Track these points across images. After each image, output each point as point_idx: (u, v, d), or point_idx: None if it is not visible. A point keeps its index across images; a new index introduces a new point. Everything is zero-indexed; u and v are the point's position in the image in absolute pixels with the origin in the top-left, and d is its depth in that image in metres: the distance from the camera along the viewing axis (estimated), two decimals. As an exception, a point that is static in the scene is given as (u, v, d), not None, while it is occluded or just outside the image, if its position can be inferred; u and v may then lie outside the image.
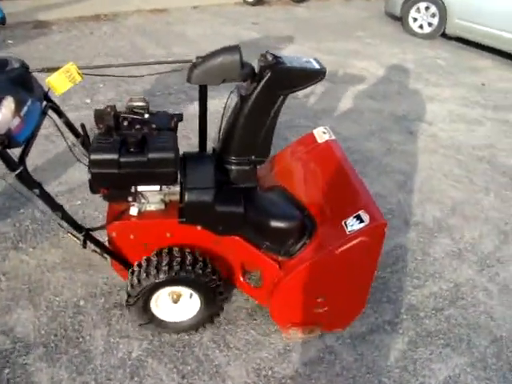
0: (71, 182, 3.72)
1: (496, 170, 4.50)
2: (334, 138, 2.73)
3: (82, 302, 2.75)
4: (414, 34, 8.23)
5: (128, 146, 2.08)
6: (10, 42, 6.65)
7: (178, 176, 2.27)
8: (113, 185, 2.19)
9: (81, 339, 2.55)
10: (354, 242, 2.17)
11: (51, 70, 2.10)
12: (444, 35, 8.10)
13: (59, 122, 2.41)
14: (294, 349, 2.59)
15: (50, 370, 2.39)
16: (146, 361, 2.47)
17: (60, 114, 2.46)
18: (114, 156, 2.04)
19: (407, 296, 2.98)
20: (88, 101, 5.04)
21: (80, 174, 3.65)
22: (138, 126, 2.19)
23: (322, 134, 2.76)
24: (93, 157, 2.05)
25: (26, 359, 2.43)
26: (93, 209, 3.43)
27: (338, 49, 7.31)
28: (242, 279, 2.58)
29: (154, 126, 2.20)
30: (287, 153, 2.87)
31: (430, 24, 8.04)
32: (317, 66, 2.27)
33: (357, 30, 8.38)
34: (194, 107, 4.94)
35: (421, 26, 8.20)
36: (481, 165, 4.56)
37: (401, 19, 8.48)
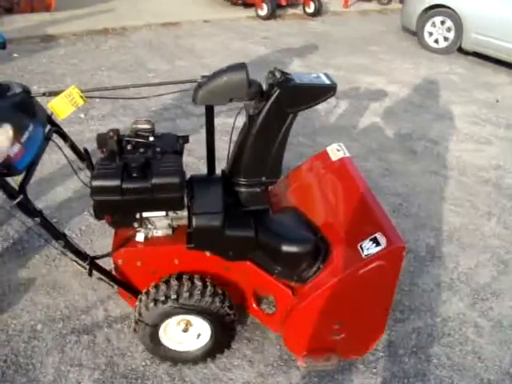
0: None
1: (501, 193, 4.24)
2: (348, 155, 2.62)
3: (39, 326, 2.66)
4: (430, 48, 8.05)
5: (131, 171, 2.00)
6: (15, 55, 6.66)
7: (185, 200, 2.18)
8: (116, 211, 2.12)
9: (31, 366, 2.44)
10: (371, 266, 2.06)
11: (53, 93, 2.07)
12: (461, 50, 7.87)
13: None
14: None
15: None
16: None
17: (65, 137, 2.41)
18: (117, 182, 1.97)
19: (387, 331, 2.72)
20: (82, 115, 4.93)
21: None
22: (141, 150, 2.11)
23: (336, 152, 2.65)
24: (94, 184, 1.98)
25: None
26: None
27: (348, 64, 7.16)
28: (254, 306, 2.48)
29: (158, 149, 2.13)
30: (301, 171, 2.77)
31: (445, 38, 7.84)
32: (327, 82, 2.18)
33: (371, 45, 8.24)
34: (190, 122, 4.92)
35: (436, 41, 8.02)
36: (485, 187, 4.31)
37: (416, 34, 8.26)
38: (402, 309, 2.91)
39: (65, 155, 2.28)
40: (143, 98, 2.38)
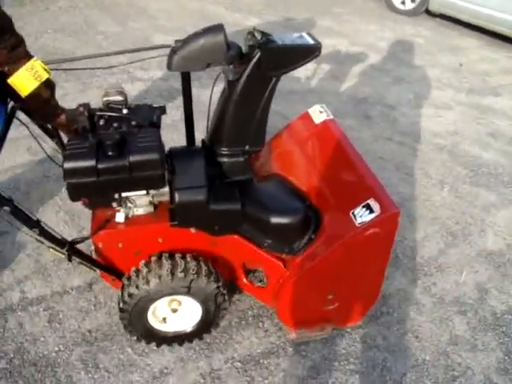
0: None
1: (456, 160, 4.08)
2: (331, 117, 2.50)
3: None
4: (397, 10, 7.61)
5: (105, 149, 1.83)
6: None
7: (166, 175, 2.04)
8: (93, 193, 1.95)
9: None
10: (365, 234, 1.99)
11: (13, 68, 1.85)
12: (428, 12, 7.47)
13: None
14: (174, 372, 2.34)
15: None
16: None
17: (30, 114, 2.22)
18: (91, 163, 1.81)
19: None
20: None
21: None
22: (115, 125, 1.94)
23: (318, 114, 2.53)
24: (67, 166, 1.80)
25: None
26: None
27: (311, 25, 6.80)
28: (245, 280, 2.39)
29: (133, 122, 1.96)
30: (283, 136, 2.63)
31: (412, 0, 7.45)
32: (311, 42, 2.03)
33: (335, 6, 7.75)
34: (135, 87, 4.76)
35: (403, 2, 7.57)
36: (440, 155, 4.14)
37: None
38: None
39: (31, 133, 2.11)
40: (112, 67, 2.19)
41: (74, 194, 1.92)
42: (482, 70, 5.85)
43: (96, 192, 1.95)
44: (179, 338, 2.37)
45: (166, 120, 2.26)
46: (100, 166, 1.82)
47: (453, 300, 2.79)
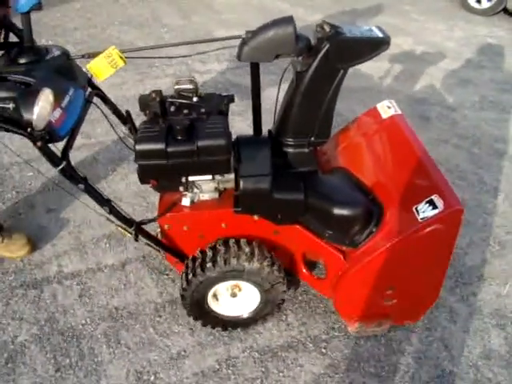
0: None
1: None
2: (400, 112, 2.48)
3: None
4: (471, 9, 7.25)
5: (175, 133, 1.92)
6: None
7: (232, 163, 2.09)
8: (162, 176, 2.05)
9: None
10: (427, 230, 1.95)
11: (92, 55, 1.95)
12: (506, 11, 7.08)
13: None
14: (191, 355, 2.37)
15: None
16: (28, 347, 2.39)
17: (106, 100, 2.36)
18: (161, 146, 1.89)
19: None
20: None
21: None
22: (185, 111, 2.03)
23: (386, 109, 2.50)
24: (138, 148, 1.90)
25: None
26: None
27: (377, 23, 6.44)
28: (304, 271, 2.42)
29: (202, 110, 2.04)
30: (350, 130, 2.62)
31: None
32: (380, 35, 2.02)
33: (405, 4, 7.56)
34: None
35: (479, 1, 7.16)
36: (499, 161, 3.91)
37: None
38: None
39: (107, 118, 2.23)
40: (184, 56, 2.26)
41: (144, 175, 2.02)
42: None
43: (165, 175, 2.04)
44: (235, 323, 2.43)
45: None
46: (169, 149, 1.90)
47: (492, 312, 2.65)
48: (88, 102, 2.15)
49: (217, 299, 2.35)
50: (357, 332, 2.37)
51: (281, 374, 2.32)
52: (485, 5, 7.12)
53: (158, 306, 2.59)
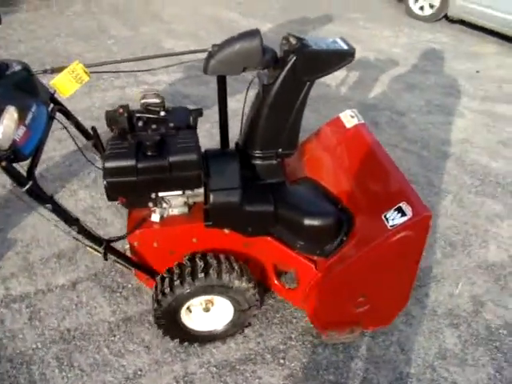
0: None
1: (463, 169, 3.97)
2: (363, 121, 2.52)
3: None
4: (415, 16, 7.61)
5: (145, 149, 1.88)
6: None
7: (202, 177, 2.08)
8: (131, 193, 2.01)
9: None
10: (397, 237, 1.98)
11: (56, 70, 1.90)
12: (448, 18, 7.40)
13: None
14: (147, 374, 2.33)
15: None
16: None
17: (69, 116, 2.28)
18: (131, 162, 1.86)
19: (306, 318, 2.55)
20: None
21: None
22: (154, 126, 2.00)
23: (349, 118, 2.54)
24: (107, 165, 1.86)
25: None
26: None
27: (325, 31, 6.81)
28: (276, 282, 2.42)
29: (171, 124, 2.01)
30: (314, 140, 2.66)
31: (431, 6, 7.38)
32: (344, 47, 2.07)
33: (353, 12, 7.82)
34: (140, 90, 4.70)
35: (422, 8, 7.54)
36: (446, 163, 4.04)
37: (402, 0, 7.89)
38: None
39: (70, 135, 2.16)
40: (150, 70, 2.23)
41: (113, 192, 1.97)
42: (499, 77, 5.76)
43: (134, 191, 2.00)
44: (211, 338, 2.40)
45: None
46: (140, 165, 1.87)
47: (445, 312, 2.71)
48: (51, 118, 2.08)
49: (190, 315, 2.31)
50: (329, 340, 2.38)
51: (239, 388, 2.29)
52: (427, 12, 7.47)
53: (111, 326, 2.54)
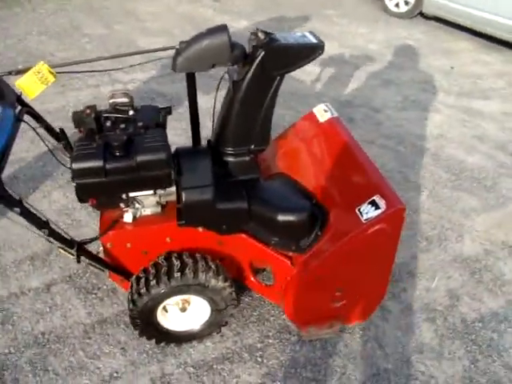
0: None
1: (439, 164, 3.97)
2: (336, 115, 2.52)
3: None
4: (390, 13, 7.60)
5: (113, 150, 1.86)
6: None
7: (173, 175, 2.05)
8: (100, 193, 1.98)
9: None
10: (372, 230, 1.98)
11: (21, 71, 1.87)
12: (423, 15, 7.47)
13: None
14: (124, 376, 2.30)
15: None
16: None
17: (38, 118, 2.24)
18: (99, 163, 1.83)
19: (284, 315, 2.54)
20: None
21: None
22: (122, 126, 1.97)
23: (323, 113, 2.54)
24: (75, 166, 1.83)
25: None
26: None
27: (299, 28, 6.75)
28: (252, 279, 2.41)
29: (140, 123, 1.99)
30: (288, 135, 2.65)
31: (406, 2, 7.41)
32: (314, 41, 2.06)
33: (327, 8, 7.77)
34: (114, 88, 4.71)
35: (397, 5, 7.53)
36: (422, 158, 4.04)
37: None
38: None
39: (40, 137, 2.11)
40: (118, 69, 2.20)
41: (82, 194, 1.94)
42: (474, 73, 5.78)
43: (104, 192, 1.98)
44: (188, 337, 2.38)
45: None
46: (108, 166, 1.85)
47: (422, 307, 2.71)
48: (18, 120, 2.04)
49: (166, 315, 2.29)
50: (309, 336, 2.37)
51: (216, 388, 2.29)
52: (403, 9, 7.47)
53: (86, 328, 2.51)
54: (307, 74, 5.34)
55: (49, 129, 2.30)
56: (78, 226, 3.02)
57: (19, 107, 2.11)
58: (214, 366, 2.35)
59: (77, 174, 1.85)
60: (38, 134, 2.12)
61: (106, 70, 2.10)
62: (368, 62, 5.87)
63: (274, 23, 6.85)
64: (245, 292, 2.66)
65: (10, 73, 1.91)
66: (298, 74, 5.11)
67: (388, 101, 4.98)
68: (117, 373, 2.30)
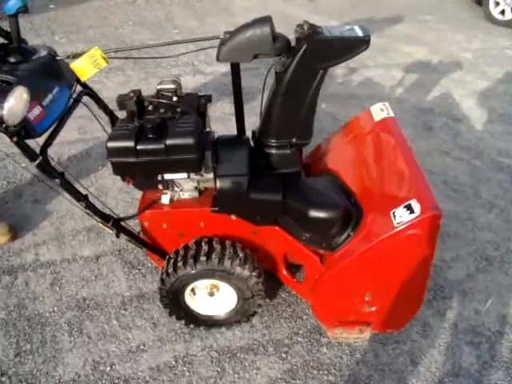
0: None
1: None
2: (392, 115, 2.41)
3: None
4: (494, 20, 6.95)
5: (147, 132, 1.94)
6: (51, 6, 6.88)
7: (210, 162, 2.09)
8: (134, 173, 2.09)
9: None
10: (403, 235, 1.87)
11: (77, 55, 2.01)
12: None
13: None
14: (149, 350, 2.39)
15: None
16: None
17: (97, 100, 2.40)
18: (131, 143, 1.91)
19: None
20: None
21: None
22: (162, 111, 2.05)
23: (379, 112, 2.45)
24: (109, 145, 1.93)
25: None
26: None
27: (393, 32, 6.48)
28: (284, 273, 2.40)
29: (178, 109, 2.05)
30: (343, 132, 2.58)
31: None
32: (359, 34, 1.97)
33: (425, 13, 7.36)
34: (196, 80, 4.90)
35: (502, 12, 6.85)
36: (498, 175, 3.72)
37: (482, 3, 7.20)
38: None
39: (95, 117, 2.28)
40: (164, 57, 2.29)
41: (118, 172, 2.05)
42: None
43: (136, 171, 2.07)
44: (215, 323, 2.43)
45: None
46: (139, 147, 1.92)
47: (467, 328, 2.52)
48: (76, 101, 2.20)
49: (194, 298, 2.36)
50: (336, 338, 2.31)
51: (236, 376, 2.30)
52: (508, 16, 6.81)
53: (125, 300, 2.64)
54: (390, 78, 5.19)
55: (107, 112, 2.45)
56: (135, 205, 3.10)
57: (80, 89, 2.28)
58: (238, 355, 2.38)
59: (111, 153, 1.95)
60: (93, 114, 2.29)
61: (152, 58, 2.19)
62: (458, 71, 5.52)
63: (366, 25, 6.44)
64: (282, 287, 2.64)
65: (68, 56, 2.07)
66: (382, 77, 5.22)
67: (472, 112, 4.66)
68: (144, 345, 2.41)
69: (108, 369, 2.32)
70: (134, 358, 2.36)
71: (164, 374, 2.30)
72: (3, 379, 2.28)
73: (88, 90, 2.34)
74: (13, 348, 2.40)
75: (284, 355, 2.37)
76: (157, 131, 1.93)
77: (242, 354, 2.37)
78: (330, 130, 2.34)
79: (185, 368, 2.32)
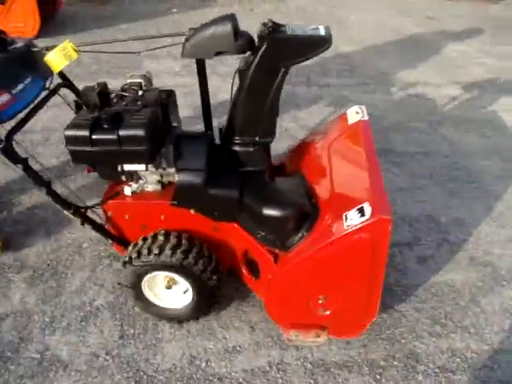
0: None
1: None
2: (366, 118, 2.37)
3: (85, 244, 3.03)
4: None
5: (102, 122, 1.99)
6: (174, 10, 7.21)
7: (170, 156, 2.14)
8: (91, 162, 2.14)
9: (63, 275, 2.82)
10: (352, 238, 1.84)
11: (51, 48, 2.10)
12: None
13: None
14: (245, 352, 2.39)
15: (25, 291, 2.73)
16: (102, 312, 2.60)
17: (77, 93, 2.46)
18: (86, 133, 1.97)
19: (415, 341, 2.44)
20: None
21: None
22: (123, 103, 2.10)
23: (354, 114, 2.42)
24: (66, 133, 1.99)
25: (14, 276, 2.82)
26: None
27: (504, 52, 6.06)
28: (243, 270, 2.40)
29: (139, 102, 2.10)
30: (317, 134, 2.57)
31: None
32: (321, 33, 1.98)
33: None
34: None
35: None
36: None
37: None
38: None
39: (70, 107, 2.33)
40: (136, 52, 2.34)
41: (74, 160, 2.09)
42: None
43: (94, 161, 2.12)
44: (172, 316, 2.46)
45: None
46: (94, 136, 1.98)
47: None
48: (51, 91, 2.28)
49: (152, 289, 2.39)
50: (292, 341, 2.27)
51: (327, 389, 2.29)
52: None
53: (225, 300, 2.65)
54: (443, 96, 4.93)
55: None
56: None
57: (60, 81, 2.36)
58: (332, 370, 2.34)
59: (68, 141, 2.02)
60: (69, 104, 2.35)
61: (124, 53, 2.23)
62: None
63: (487, 47, 6.17)
64: (383, 309, 2.59)
65: (43, 48, 2.15)
66: (431, 94, 4.96)
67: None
68: (240, 347, 2.44)
69: (204, 365, 2.37)
70: (229, 358, 2.39)
71: (257, 377, 2.31)
72: (107, 358, 2.39)
73: (66, 82, 2.42)
74: (117, 330, 2.51)
75: (378, 377, 2.31)
76: (111, 122, 1.98)
77: (336, 369, 2.34)
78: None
79: (278, 375, 2.32)
